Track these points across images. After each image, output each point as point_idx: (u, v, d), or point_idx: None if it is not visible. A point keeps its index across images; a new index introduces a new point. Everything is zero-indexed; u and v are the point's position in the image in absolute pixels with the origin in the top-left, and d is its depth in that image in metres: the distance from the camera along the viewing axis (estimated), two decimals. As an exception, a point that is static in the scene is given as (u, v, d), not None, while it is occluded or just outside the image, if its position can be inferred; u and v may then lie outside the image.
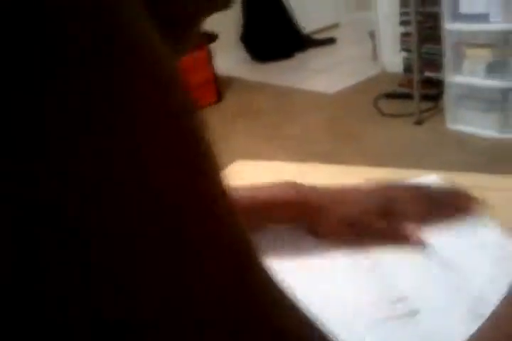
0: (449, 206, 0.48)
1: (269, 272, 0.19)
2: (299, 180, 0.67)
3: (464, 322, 0.41)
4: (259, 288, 0.18)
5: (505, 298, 0.35)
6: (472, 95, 2.32)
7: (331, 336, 0.21)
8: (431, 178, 0.62)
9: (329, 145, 2.42)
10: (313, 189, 0.52)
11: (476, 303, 0.43)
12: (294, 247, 0.52)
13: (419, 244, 0.45)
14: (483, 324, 0.34)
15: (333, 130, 2.64)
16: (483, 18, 2.13)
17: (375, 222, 0.49)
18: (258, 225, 0.52)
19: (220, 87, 3.32)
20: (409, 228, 0.45)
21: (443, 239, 0.51)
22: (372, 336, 0.41)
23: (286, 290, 0.19)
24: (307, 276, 0.48)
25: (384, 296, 0.45)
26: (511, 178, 0.59)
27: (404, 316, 0.43)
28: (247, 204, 0.50)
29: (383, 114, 2.69)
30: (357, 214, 0.49)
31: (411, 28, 2.49)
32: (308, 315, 0.20)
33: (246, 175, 0.71)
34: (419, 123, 2.54)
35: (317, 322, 0.21)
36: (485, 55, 2.21)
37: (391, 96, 2.86)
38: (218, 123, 3.04)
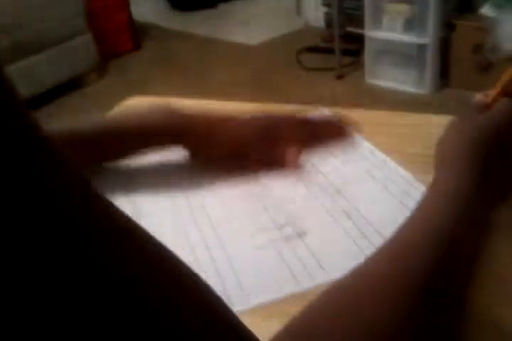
0: (330, 133, 0.47)
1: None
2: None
3: (350, 243, 0.41)
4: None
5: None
6: (391, 50, 2.35)
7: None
8: (320, 112, 0.62)
9: (250, 96, 2.40)
10: (189, 115, 0.49)
11: (362, 226, 0.43)
12: (177, 178, 0.49)
13: (303, 170, 0.44)
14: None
15: (255, 82, 2.61)
16: (402, -28, 2.14)
17: (257, 150, 0.47)
18: (132, 150, 0.50)
19: (137, 34, 3.17)
20: (293, 154, 0.44)
21: (329, 165, 0.51)
22: (260, 257, 0.41)
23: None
24: (200, 208, 0.47)
25: (272, 221, 0.45)
26: (408, 115, 0.60)
27: (291, 238, 0.43)
28: (118, 131, 0.48)
29: (305, 68, 2.68)
30: (238, 142, 0.47)
31: (333, -18, 2.47)
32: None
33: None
34: (340, 77, 2.56)
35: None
36: (403, 10, 2.23)
37: (313, 50, 2.85)
38: (136, 72, 2.92)
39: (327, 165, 0.51)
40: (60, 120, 2.38)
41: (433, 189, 0.38)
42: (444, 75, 2.33)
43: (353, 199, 0.47)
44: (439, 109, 2.16)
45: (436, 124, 0.58)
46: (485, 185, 0.39)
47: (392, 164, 0.51)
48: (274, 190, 0.49)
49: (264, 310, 0.36)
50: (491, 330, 0.34)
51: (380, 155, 0.53)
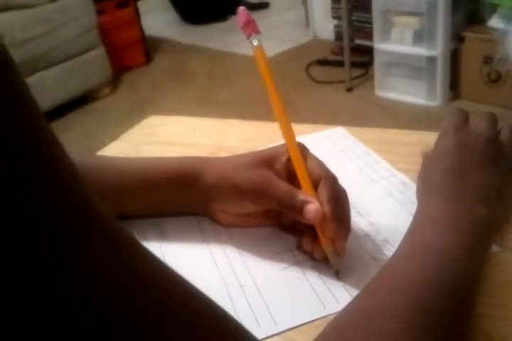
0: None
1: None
2: (215, 136, 0.65)
3: (370, 263, 0.43)
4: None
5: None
6: (400, 63, 2.36)
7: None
8: (337, 131, 0.63)
9: (261, 110, 2.40)
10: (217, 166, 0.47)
11: (381, 247, 0.44)
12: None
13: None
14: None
15: (266, 95, 2.62)
16: (410, -14, 2.16)
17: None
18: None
19: (149, 47, 3.21)
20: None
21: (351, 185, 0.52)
22: (280, 278, 0.43)
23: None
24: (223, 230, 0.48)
25: (287, 246, 0.46)
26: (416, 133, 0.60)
27: (308, 261, 0.44)
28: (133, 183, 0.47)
29: (315, 81, 2.70)
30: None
31: (341, -5, 2.48)
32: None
33: (159, 130, 0.69)
34: (349, 90, 2.57)
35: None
36: (412, 22, 2.24)
37: (323, 63, 2.87)
38: (148, 86, 2.94)
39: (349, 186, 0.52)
40: (73, 134, 2.41)
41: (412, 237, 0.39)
42: (454, 87, 2.34)
43: (374, 219, 0.48)
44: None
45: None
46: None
47: (410, 185, 0.52)
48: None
49: (291, 333, 0.37)
50: None
51: (400, 175, 0.54)
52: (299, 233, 0.45)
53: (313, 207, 0.41)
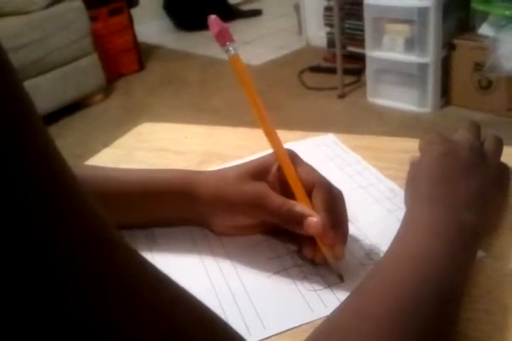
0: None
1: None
2: (207, 143, 0.66)
3: (357, 268, 0.43)
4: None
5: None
6: (392, 70, 2.38)
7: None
8: (327, 138, 0.64)
9: (253, 117, 2.41)
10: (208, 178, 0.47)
11: (369, 252, 0.45)
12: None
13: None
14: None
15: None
16: (402, -7, 2.18)
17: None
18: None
19: (142, 54, 3.22)
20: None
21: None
22: (274, 284, 0.43)
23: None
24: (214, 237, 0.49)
25: (282, 250, 0.46)
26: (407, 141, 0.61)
27: (301, 265, 0.44)
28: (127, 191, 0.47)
29: (308, 87, 2.71)
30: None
31: (333, 3, 2.51)
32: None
33: (151, 137, 0.69)
34: (342, 96, 2.58)
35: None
36: (403, 30, 2.26)
37: (315, 70, 2.89)
38: (140, 93, 2.95)
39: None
40: (65, 141, 2.40)
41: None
42: (445, 94, 2.36)
43: (362, 225, 0.48)
44: (441, 127, 2.18)
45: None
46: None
47: (398, 191, 0.52)
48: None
49: (279, 337, 0.38)
50: None
51: (389, 182, 0.55)
52: (297, 239, 0.45)
53: (314, 220, 0.41)
